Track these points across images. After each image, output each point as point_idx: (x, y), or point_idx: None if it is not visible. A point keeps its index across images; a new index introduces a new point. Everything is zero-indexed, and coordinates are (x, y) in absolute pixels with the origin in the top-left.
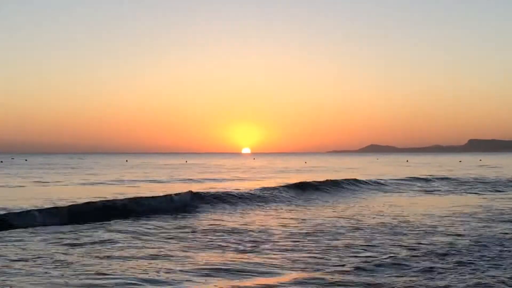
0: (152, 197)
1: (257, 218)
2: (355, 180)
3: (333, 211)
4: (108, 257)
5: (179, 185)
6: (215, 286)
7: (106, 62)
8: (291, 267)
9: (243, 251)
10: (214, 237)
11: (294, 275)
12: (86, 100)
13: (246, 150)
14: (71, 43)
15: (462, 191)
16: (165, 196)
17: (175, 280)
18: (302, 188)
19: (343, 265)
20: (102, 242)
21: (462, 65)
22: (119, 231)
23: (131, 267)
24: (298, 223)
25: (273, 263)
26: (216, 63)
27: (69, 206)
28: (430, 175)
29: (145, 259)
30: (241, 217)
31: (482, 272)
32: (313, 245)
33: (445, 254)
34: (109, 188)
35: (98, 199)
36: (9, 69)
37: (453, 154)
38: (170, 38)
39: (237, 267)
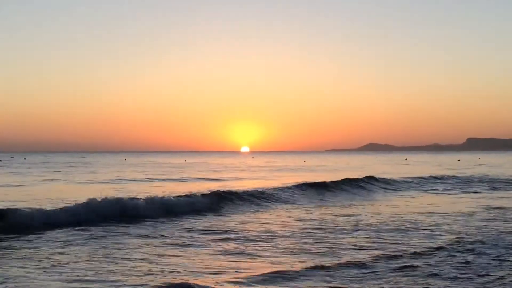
0: (186, 195)
1: (298, 217)
2: (371, 177)
3: (375, 209)
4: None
5: (196, 185)
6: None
7: (105, 62)
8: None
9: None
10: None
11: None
12: (85, 99)
13: (245, 149)
14: (71, 43)
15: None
16: (195, 195)
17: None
18: (324, 187)
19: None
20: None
21: (461, 64)
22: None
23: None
24: (346, 220)
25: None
26: (215, 62)
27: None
28: (443, 175)
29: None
30: (278, 216)
31: None
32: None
33: None
34: (135, 186)
35: (143, 196)
36: (8, 69)
37: (451, 152)
38: (169, 37)
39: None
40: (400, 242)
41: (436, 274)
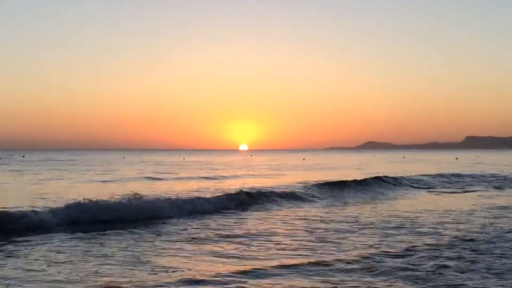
0: (216, 196)
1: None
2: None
3: (410, 206)
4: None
5: (197, 183)
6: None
7: (102, 60)
8: None
9: None
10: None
11: None
12: (83, 97)
13: (243, 147)
14: (70, 41)
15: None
16: (222, 195)
17: None
18: (340, 186)
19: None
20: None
21: (460, 63)
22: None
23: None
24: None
25: None
26: (214, 60)
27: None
28: (459, 172)
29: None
30: (306, 213)
31: None
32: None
33: None
34: (154, 185)
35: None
36: (7, 67)
37: (450, 150)
38: (168, 35)
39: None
40: (404, 240)
41: (439, 272)
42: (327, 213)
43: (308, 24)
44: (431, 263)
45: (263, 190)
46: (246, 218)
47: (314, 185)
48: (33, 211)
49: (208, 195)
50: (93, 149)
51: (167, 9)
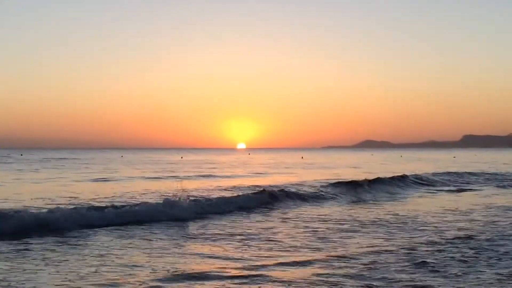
0: (238, 196)
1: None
2: (405, 176)
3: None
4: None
5: (199, 183)
6: None
7: (100, 59)
8: None
9: None
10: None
11: None
12: (82, 96)
13: (241, 146)
14: (69, 40)
15: None
16: (244, 195)
17: None
18: (354, 186)
19: None
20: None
21: (457, 62)
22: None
23: None
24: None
25: None
26: (212, 60)
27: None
28: (442, 172)
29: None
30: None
31: None
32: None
33: None
34: (165, 184)
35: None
36: (7, 67)
37: (448, 149)
38: (166, 35)
39: None
40: (406, 238)
41: (442, 270)
42: (351, 210)
43: (308, 24)
44: (433, 260)
45: (286, 190)
46: (271, 218)
47: (331, 184)
48: (24, 211)
49: (227, 194)
50: (93, 148)
51: (167, 9)
